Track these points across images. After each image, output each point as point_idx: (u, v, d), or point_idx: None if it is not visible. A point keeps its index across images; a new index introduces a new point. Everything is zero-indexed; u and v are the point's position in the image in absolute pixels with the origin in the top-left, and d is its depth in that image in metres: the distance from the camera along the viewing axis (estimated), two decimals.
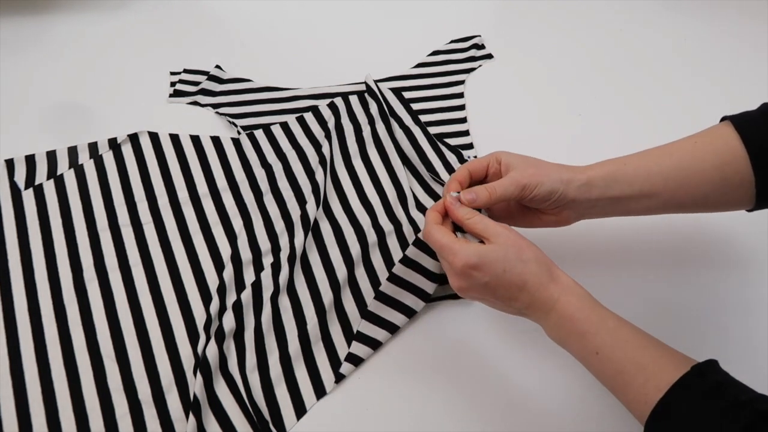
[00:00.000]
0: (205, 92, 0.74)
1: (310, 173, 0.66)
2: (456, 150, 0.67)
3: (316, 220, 0.61)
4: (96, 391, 0.51)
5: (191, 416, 0.49)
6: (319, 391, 0.52)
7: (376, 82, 0.73)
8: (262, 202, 0.63)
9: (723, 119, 0.48)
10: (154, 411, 0.50)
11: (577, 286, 0.44)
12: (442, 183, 0.64)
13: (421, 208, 0.63)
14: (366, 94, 0.73)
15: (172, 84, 0.76)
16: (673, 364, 0.38)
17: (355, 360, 0.53)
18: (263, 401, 0.51)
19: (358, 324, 0.55)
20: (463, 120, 0.73)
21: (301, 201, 0.63)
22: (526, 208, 0.52)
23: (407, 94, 0.74)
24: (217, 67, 0.77)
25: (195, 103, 0.74)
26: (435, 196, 0.64)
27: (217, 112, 0.72)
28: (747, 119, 0.47)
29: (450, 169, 0.65)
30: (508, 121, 0.74)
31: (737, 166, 0.45)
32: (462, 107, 0.74)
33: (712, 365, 0.38)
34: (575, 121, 0.74)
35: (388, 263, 0.59)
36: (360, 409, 0.52)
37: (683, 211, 0.50)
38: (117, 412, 0.50)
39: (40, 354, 0.53)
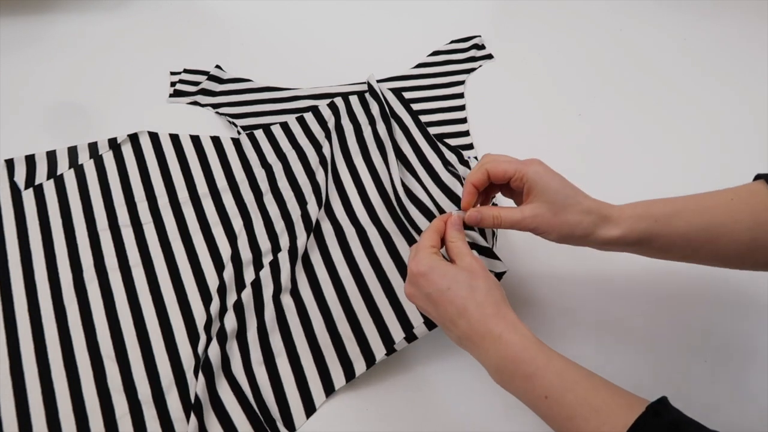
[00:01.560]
0: (205, 92, 0.74)
1: (310, 173, 0.66)
2: (456, 150, 0.67)
3: (317, 221, 0.61)
4: (96, 392, 0.51)
5: (192, 416, 0.49)
6: (329, 390, 0.52)
7: (377, 81, 0.73)
8: (262, 202, 0.64)
9: (756, 177, 0.46)
10: (154, 411, 0.50)
11: (522, 325, 0.42)
12: (440, 184, 0.64)
13: (421, 208, 0.63)
14: (366, 94, 0.73)
15: (172, 84, 0.76)
16: (626, 405, 0.37)
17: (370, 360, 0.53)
18: (273, 399, 0.51)
19: (366, 321, 0.55)
20: (464, 120, 0.73)
21: (301, 201, 0.63)
22: None
23: (407, 94, 0.74)
24: (217, 67, 0.77)
25: (195, 103, 0.74)
26: (432, 197, 0.64)
27: (217, 112, 0.72)
28: None
29: (449, 169, 0.65)
30: (509, 121, 0.74)
31: None
32: (462, 107, 0.74)
33: (664, 404, 0.36)
34: (575, 121, 0.74)
35: (396, 261, 0.59)
36: (367, 408, 0.52)
37: (701, 264, 0.47)
38: (117, 413, 0.50)
39: (40, 354, 0.53)
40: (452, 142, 0.70)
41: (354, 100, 0.72)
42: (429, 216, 0.61)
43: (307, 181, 0.65)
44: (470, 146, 0.70)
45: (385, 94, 0.72)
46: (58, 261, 0.58)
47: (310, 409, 0.51)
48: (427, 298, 0.44)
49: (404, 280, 0.57)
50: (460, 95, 0.76)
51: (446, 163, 0.65)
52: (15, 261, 0.58)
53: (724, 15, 0.87)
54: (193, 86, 0.75)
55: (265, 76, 0.77)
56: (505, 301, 0.43)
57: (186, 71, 0.77)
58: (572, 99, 0.76)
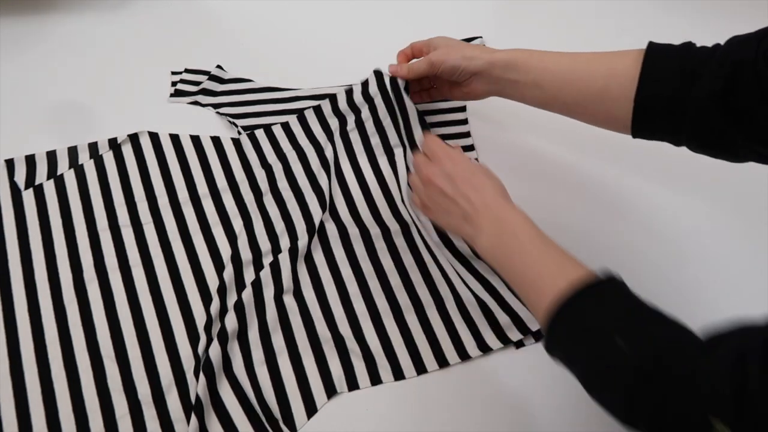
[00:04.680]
0: (206, 92, 0.74)
1: (310, 174, 0.66)
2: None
3: (321, 221, 0.61)
4: (96, 392, 0.51)
5: (193, 417, 0.49)
6: (330, 390, 0.52)
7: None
8: (262, 202, 0.63)
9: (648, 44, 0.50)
10: (153, 411, 0.50)
11: (525, 213, 0.48)
12: None
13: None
14: (369, 87, 0.71)
15: (173, 84, 0.76)
16: (587, 270, 0.42)
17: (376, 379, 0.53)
18: (274, 400, 0.51)
19: (368, 323, 0.55)
20: (464, 122, 0.73)
21: (301, 201, 0.63)
22: (448, 82, 0.63)
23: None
24: (219, 67, 0.77)
25: (196, 103, 0.74)
26: None
27: (217, 112, 0.72)
28: (662, 49, 0.48)
29: None
30: (509, 121, 0.73)
31: (622, 83, 0.48)
32: (464, 108, 0.74)
33: (610, 274, 0.41)
34: (575, 121, 0.74)
35: (396, 262, 0.59)
36: (367, 409, 0.52)
37: (569, 113, 0.56)
38: (117, 413, 0.50)
39: (40, 354, 0.53)
40: (453, 143, 0.69)
41: (357, 91, 0.71)
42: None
43: (307, 182, 0.65)
44: (471, 147, 0.70)
45: (390, 87, 0.71)
46: (58, 261, 0.58)
47: (311, 409, 0.51)
48: (446, 176, 0.51)
49: (403, 281, 0.58)
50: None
51: None
52: (15, 261, 0.58)
53: (725, 14, 0.87)
54: (194, 86, 0.75)
55: (266, 76, 0.77)
56: (509, 196, 0.51)
57: (187, 71, 0.77)
58: None
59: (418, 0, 0.89)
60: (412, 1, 0.89)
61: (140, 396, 0.51)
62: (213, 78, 0.75)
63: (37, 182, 0.64)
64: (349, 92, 0.71)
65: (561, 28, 0.86)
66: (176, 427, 0.50)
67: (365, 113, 0.69)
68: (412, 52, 0.65)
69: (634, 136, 0.51)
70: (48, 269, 0.58)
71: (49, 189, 0.63)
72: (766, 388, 0.30)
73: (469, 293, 0.56)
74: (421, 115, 0.70)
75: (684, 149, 0.50)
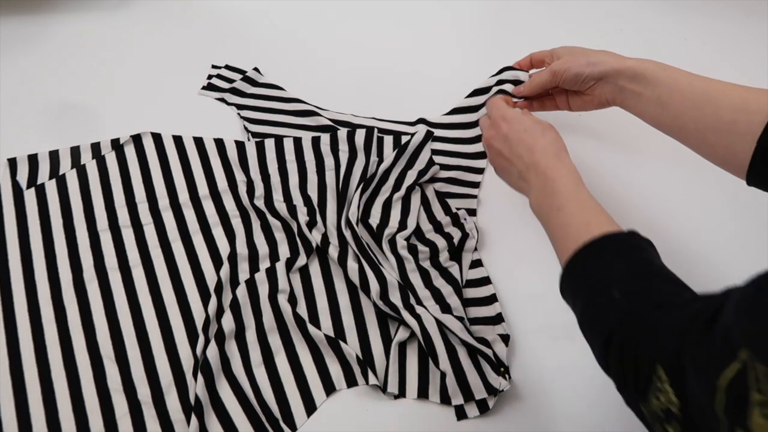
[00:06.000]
0: (235, 92, 0.74)
1: (303, 188, 0.65)
2: (454, 214, 0.64)
3: (324, 235, 0.61)
4: (96, 392, 0.51)
5: (193, 417, 0.49)
6: (329, 388, 0.52)
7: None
8: (260, 208, 0.63)
9: None
10: (153, 412, 0.50)
11: (575, 170, 0.50)
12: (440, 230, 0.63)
13: (423, 240, 0.62)
14: (385, 137, 0.70)
15: (209, 77, 0.76)
16: (606, 224, 0.44)
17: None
18: (273, 399, 0.52)
19: (372, 322, 0.56)
20: (476, 184, 0.68)
21: (293, 213, 0.62)
22: (567, 91, 0.62)
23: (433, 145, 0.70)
24: (255, 69, 0.77)
25: (222, 100, 0.74)
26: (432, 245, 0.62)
27: (238, 114, 0.72)
28: None
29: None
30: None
31: (752, 120, 0.45)
32: (481, 170, 0.69)
33: (632, 232, 0.43)
34: (575, 121, 0.74)
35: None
36: (367, 409, 0.52)
37: (685, 139, 0.52)
38: (117, 413, 0.50)
39: (40, 354, 0.53)
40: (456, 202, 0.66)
41: (375, 137, 0.69)
42: (414, 254, 0.60)
43: (300, 195, 0.64)
44: (477, 184, 0.68)
45: (411, 143, 0.68)
46: (58, 261, 0.58)
47: (310, 407, 0.51)
48: (503, 139, 0.54)
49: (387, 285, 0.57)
50: (482, 154, 0.70)
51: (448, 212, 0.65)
52: (15, 260, 0.58)
53: (725, 15, 0.87)
54: (227, 83, 0.75)
55: (266, 75, 0.77)
56: (565, 151, 0.52)
57: (227, 67, 0.77)
58: None
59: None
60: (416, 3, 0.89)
61: (140, 396, 0.51)
62: (246, 79, 0.75)
63: (39, 182, 0.64)
64: (370, 131, 0.69)
65: (560, 29, 0.86)
66: (176, 427, 0.50)
67: (374, 158, 0.67)
68: (531, 63, 0.66)
69: (749, 182, 0.46)
70: (48, 269, 0.58)
71: (51, 189, 0.63)
72: (702, 345, 0.29)
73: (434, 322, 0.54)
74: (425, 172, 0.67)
75: None
